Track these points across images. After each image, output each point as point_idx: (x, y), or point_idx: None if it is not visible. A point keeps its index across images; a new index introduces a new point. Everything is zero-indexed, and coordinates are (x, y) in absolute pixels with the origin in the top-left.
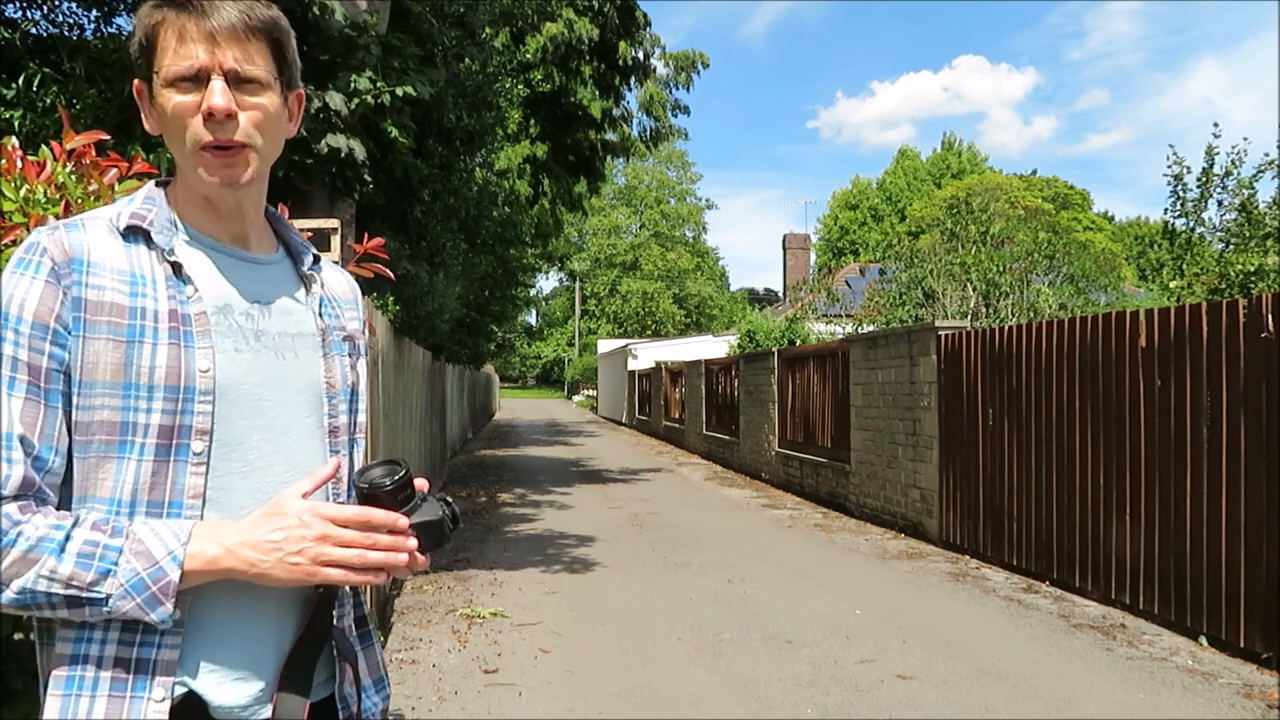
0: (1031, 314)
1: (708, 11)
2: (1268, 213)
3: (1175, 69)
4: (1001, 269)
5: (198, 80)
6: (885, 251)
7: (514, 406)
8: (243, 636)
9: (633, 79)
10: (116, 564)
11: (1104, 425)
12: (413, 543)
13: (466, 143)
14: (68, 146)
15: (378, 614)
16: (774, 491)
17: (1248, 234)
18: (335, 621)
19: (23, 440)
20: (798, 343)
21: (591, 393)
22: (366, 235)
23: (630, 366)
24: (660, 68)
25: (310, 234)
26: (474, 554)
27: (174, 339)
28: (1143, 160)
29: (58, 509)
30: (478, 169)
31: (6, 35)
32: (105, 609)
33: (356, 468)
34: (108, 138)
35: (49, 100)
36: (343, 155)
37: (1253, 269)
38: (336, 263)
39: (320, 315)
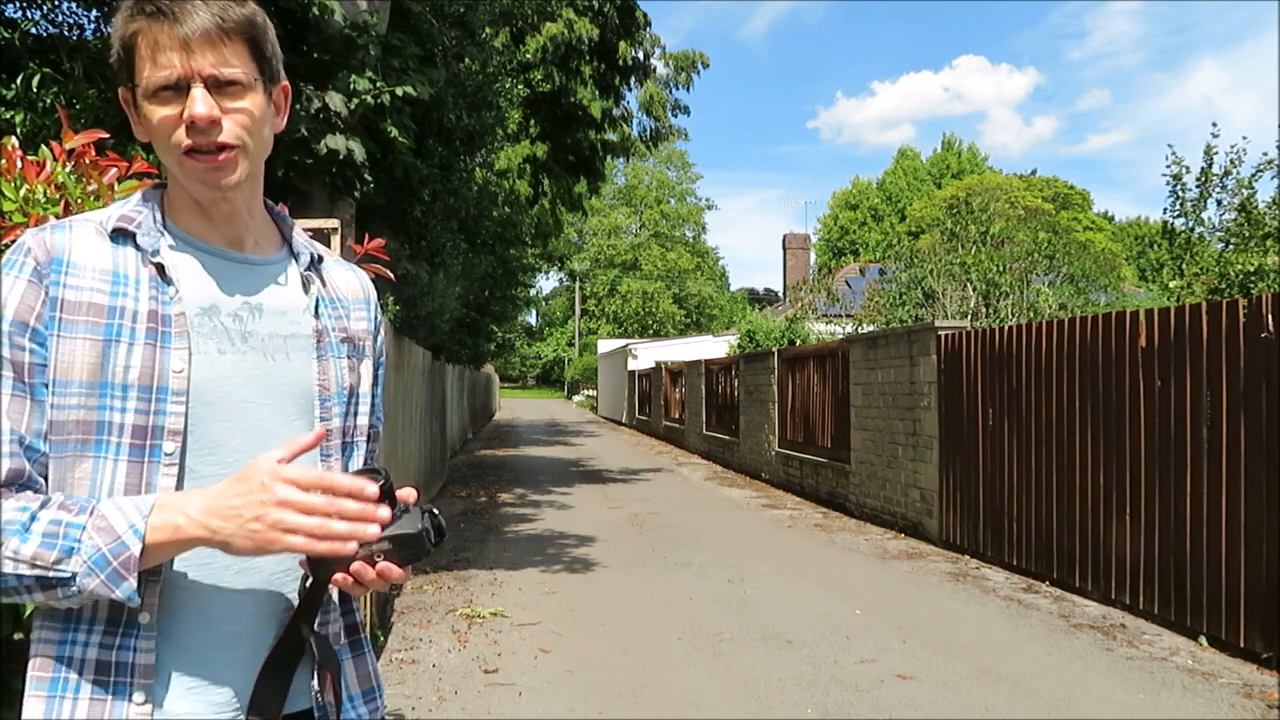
0: (1031, 314)
1: (708, 11)
2: (1267, 212)
3: (1175, 69)
4: (1001, 269)
5: (179, 89)
6: (885, 251)
7: (514, 406)
8: (220, 638)
9: (633, 79)
10: (79, 541)
11: (1104, 425)
12: (384, 512)
13: (466, 143)
14: (67, 146)
15: (377, 614)
16: (774, 491)
17: (1247, 234)
18: (317, 628)
19: (12, 433)
20: (798, 343)
21: (591, 393)
22: (366, 235)
23: (630, 366)
24: (660, 68)
25: (310, 234)
26: (474, 554)
27: (150, 339)
28: (1143, 160)
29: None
30: (478, 169)
31: (6, 35)
32: (74, 587)
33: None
34: (107, 137)
35: (49, 100)
36: (342, 156)
37: (1252, 269)
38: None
39: (317, 316)
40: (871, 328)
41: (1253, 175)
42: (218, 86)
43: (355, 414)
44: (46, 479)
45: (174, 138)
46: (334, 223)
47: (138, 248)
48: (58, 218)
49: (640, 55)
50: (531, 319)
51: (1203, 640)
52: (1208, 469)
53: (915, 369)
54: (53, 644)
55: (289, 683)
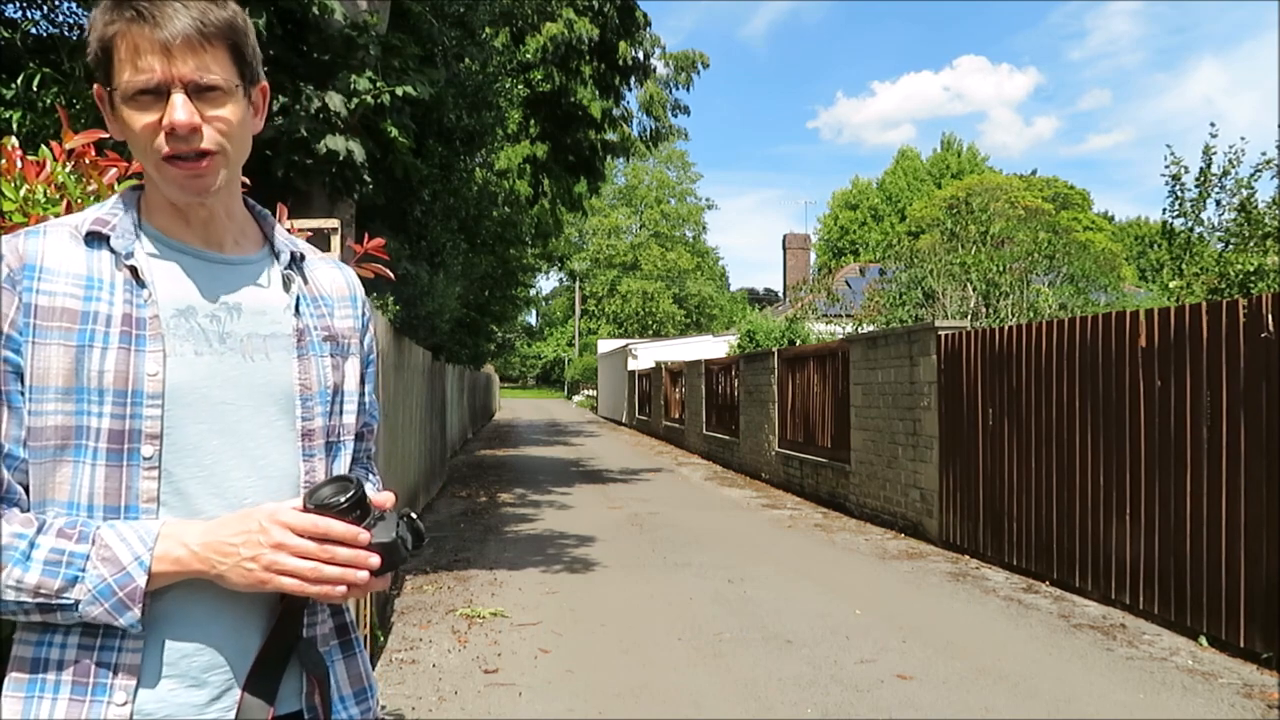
0: (1031, 314)
1: (708, 11)
2: (1267, 212)
3: (1175, 69)
4: (1001, 269)
5: (158, 94)
6: (885, 251)
7: (514, 406)
8: (202, 640)
9: (633, 79)
10: (84, 570)
11: (1104, 425)
12: (374, 560)
13: (466, 143)
14: (67, 146)
15: (377, 614)
16: (774, 491)
17: (1247, 234)
18: (305, 631)
19: None
20: (798, 343)
21: (591, 393)
22: (366, 235)
23: (630, 366)
24: (660, 68)
25: (310, 234)
26: (474, 554)
27: (124, 343)
28: (1143, 160)
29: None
30: (478, 169)
31: (6, 35)
32: (76, 614)
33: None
34: (107, 137)
35: (49, 100)
36: (342, 156)
37: (1252, 269)
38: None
39: (297, 314)
40: (871, 328)
41: (1252, 175)
42: (198, 92)
43: (340, 413)
44: (27, 487)
45: (154, 143)
46: (334, 223)
47: (112, 251)
48: (57, 217)
49: (640, 55)
50: (531, 319)
51: (1203, 640)
52: (1208, 469)
53: (915, 369)
54: (30, 645)
55: (278, 685)
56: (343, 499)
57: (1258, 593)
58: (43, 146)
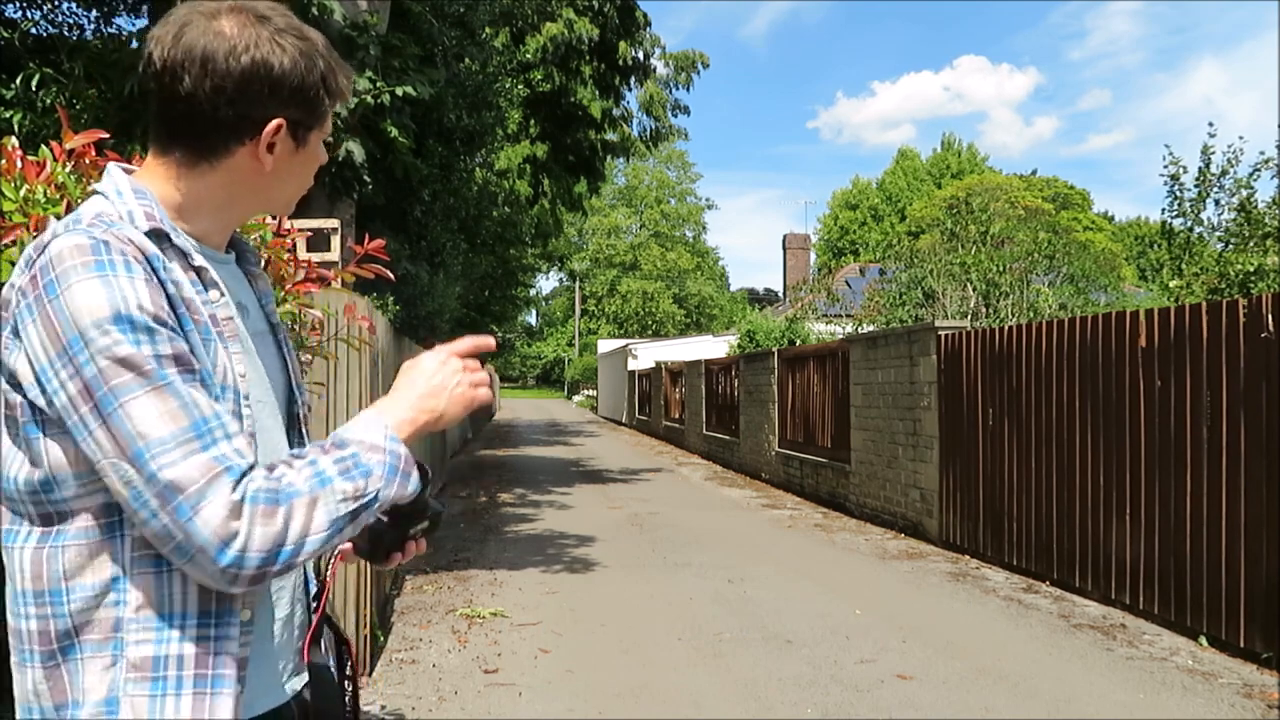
0: (1031, 314)
1: (708, 11)
2: (1267, 212)
3: (1176, 69)
4: (1001, 269)
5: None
6: (885, 251)
7: (514, 406)
8: (269, 619)
9: (633, 79)
10: (366, 462)
11: (1104, 425)
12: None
13: (466, 143)
14: (67, 146)
15: (377, 614)
16: (774, 491)
17: (1247, 234)
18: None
19: (221, 414)
20: (798, 343)
21: (591, 393)
22: (367, 235)
23: (630, 366)
24: (660, 68)
25: (310, 234)
26: (474, 554)
27: (221, 341)
28: (1143, 160)
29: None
30: (478, 169)
31: (6, 35)
32: (377, 504)
33: None
34: (107, 137)
35: (49, 100)
36: (341, 157)
37: (1252, 269)
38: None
39: (265, 310)
40: (871, 328)
41: (1251, 174)
42: None
43: (307, 401)
44: None
45: (313, 172)
46: (334, 223)
47: (173, 249)
48: (58, 218)
49: (640, 55)
50: (531, 319)
51: (1203, 640)
52: (1208, 469)
53: (915, 369)
54: (148, 644)
55: (323, 648)
56: (427, 480)
57: (1258, 593)
58: (43, 146)
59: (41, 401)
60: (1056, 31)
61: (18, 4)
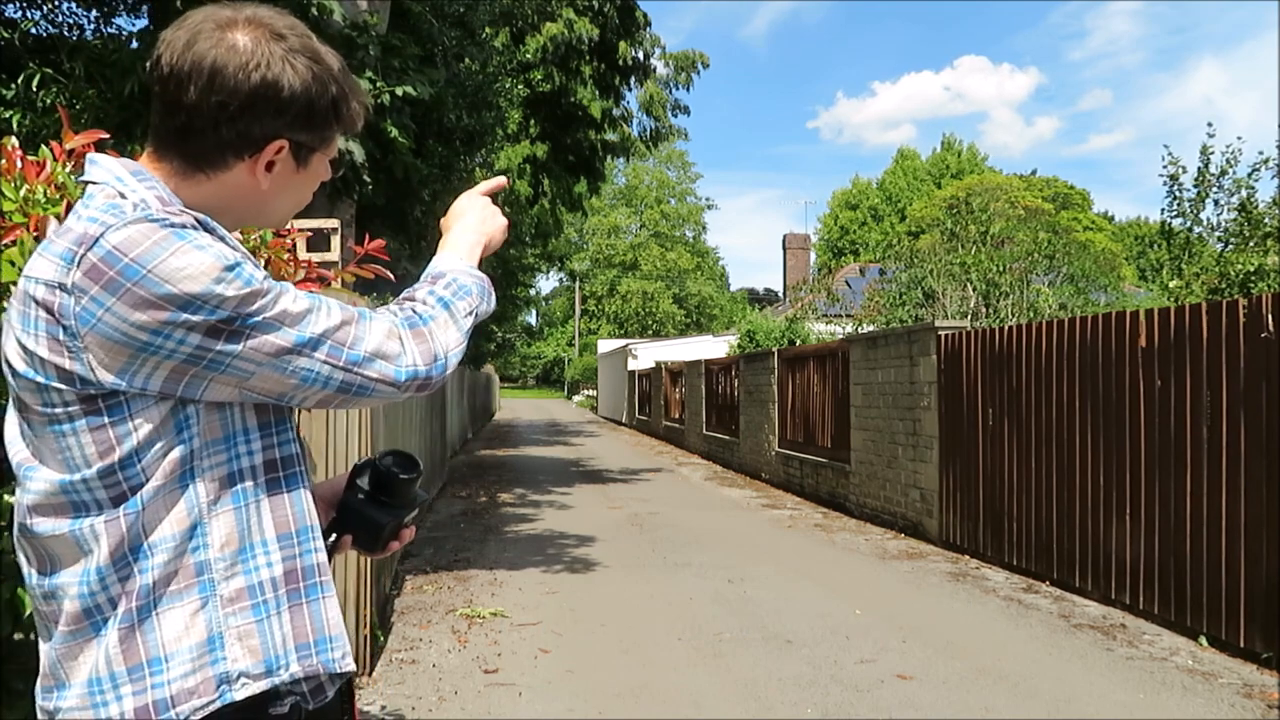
0: (1031, 314)
1: (708, 11)
2: (1267, 212)
3: (1176, 69)
4: (1001, 269)
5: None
6: (885, 251)
7: (514, 406)
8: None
9: (633, 79)
10: (464, 284)
11: (1104, 425)
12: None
13: (466, 143)
14: (67, 146)
15: (377, 614)
16: (774, 491)
17: (1247, 234)
18: None
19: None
20: (798, 343)
21: (591, 393)
22: (367, 236)
23: (630, 366)
24: (660, 68)
25: (310, 234)
26: (474, 554)
27: None
28: (1144, 160)
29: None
30: (478, 169)
31: (6, 35)
32: (480, 316)
33: None
34: (107, 137)
35: (49, 100)
36: (341, 157)
37: (1252, 269)
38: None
39: None
40: (871, 328)
41: (1250, 174)
42: None
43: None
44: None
45: (312, 190)
46: (334, 223)
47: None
48: (58, 218)
49: (640, 55)
50: (531, 319)
51: (1203, 640)
52: (1208, 469)
53: (915, 369)
54: (237, 577)
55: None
56: (420, 470)
57: (1258, 593)
58: (43, 146)
59: (139, 382)
60: (1057, 31)
61: (18, 4)
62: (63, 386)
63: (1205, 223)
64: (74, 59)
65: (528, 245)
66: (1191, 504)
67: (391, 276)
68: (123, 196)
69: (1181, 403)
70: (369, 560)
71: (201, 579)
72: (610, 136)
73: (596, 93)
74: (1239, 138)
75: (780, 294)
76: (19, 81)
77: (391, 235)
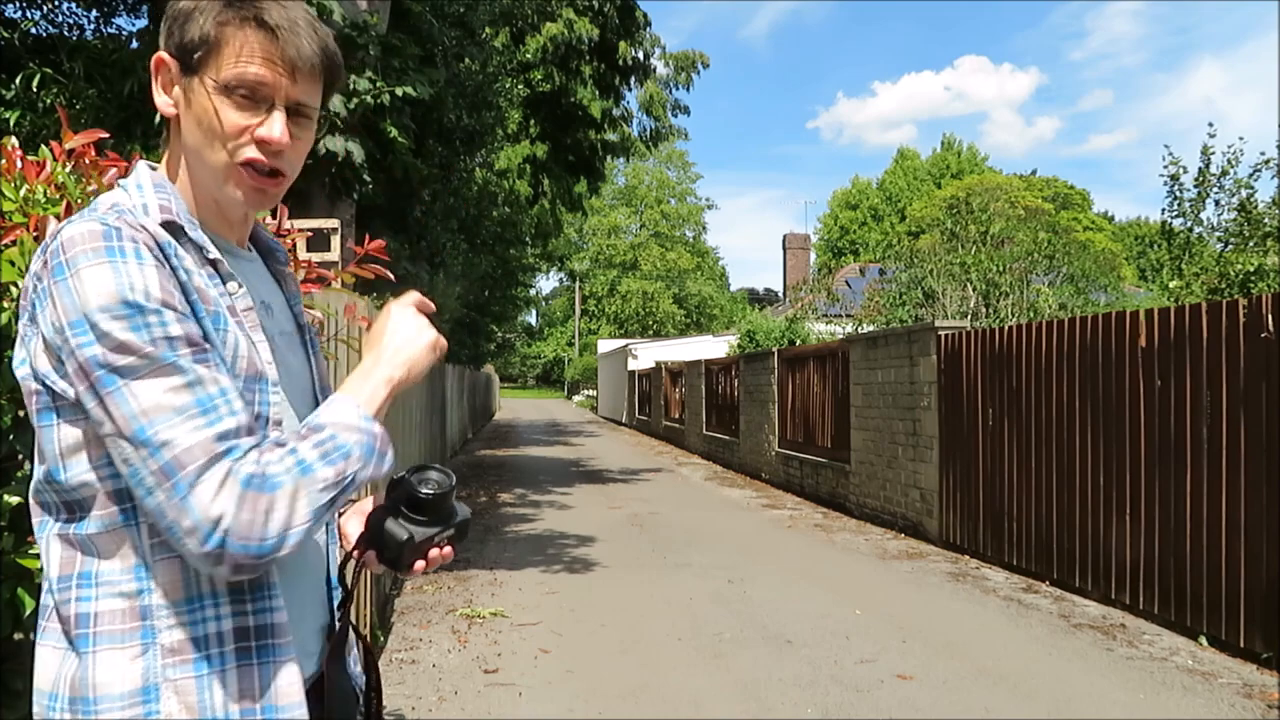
0: (1031, 314)
1: (709, 11)
2: (1267, 212)
3: (1177, 69)
4: (1001, 269)
5: (256, 99)
6: (885, 251)
7: (514, 406)
8: (298, 617)
9: (633, 79)
10: (344, 444)
11: (1104, 425)
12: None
13: (466, 143)
14: (67, 146)
15: (377, 614)
16: (774, 491)
17: (1247, 234)
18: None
19: (231, 388)
20: (798, 343)
21: (591, 393)
22: (367, 236)
23: (630, 366)
24: (660, 68)
25: (310, 234)
26: (474, 554)
27: (241, 330)
28: (1144, 160)
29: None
30: (478, 169)
31: (6, 35)
32: (354, 486)
33: None
34: (107, 137)
35: (49, 100)
36: (341, 157)
37: (1252, 269)
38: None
39: (293, 311)
40: (871, 328)
41: (1251, 174)
42: (293, 113)
43: None
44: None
45: (237, 144)
46: (334, 223)
47: (188, 242)
48: (58, 218)
49: (640, 55)
50: (531, 319)
51: (1203, 640)
52: (1208, 469)
53: (915, 369)
54: (183, 627)
55: (347, 657)
56: (449, 485)
57: (1258, 593)
58: (43, 146)
59: (61, 385)
60: (1057, 31)
61: (18, 4)
62: (26, 372)
63: (1205, 223)
64: (74, 59)
65: (528, 245)
66: (1191, 504)
67: (391, 276)
68: (125, 195)
69: (1181, 403)
70: None
71: (144, 624)
72: (610, 136)
73: (596, 93)
74: (1240, 138)
75: (780, 294)
76: (19, 81)
77: (391, 235)
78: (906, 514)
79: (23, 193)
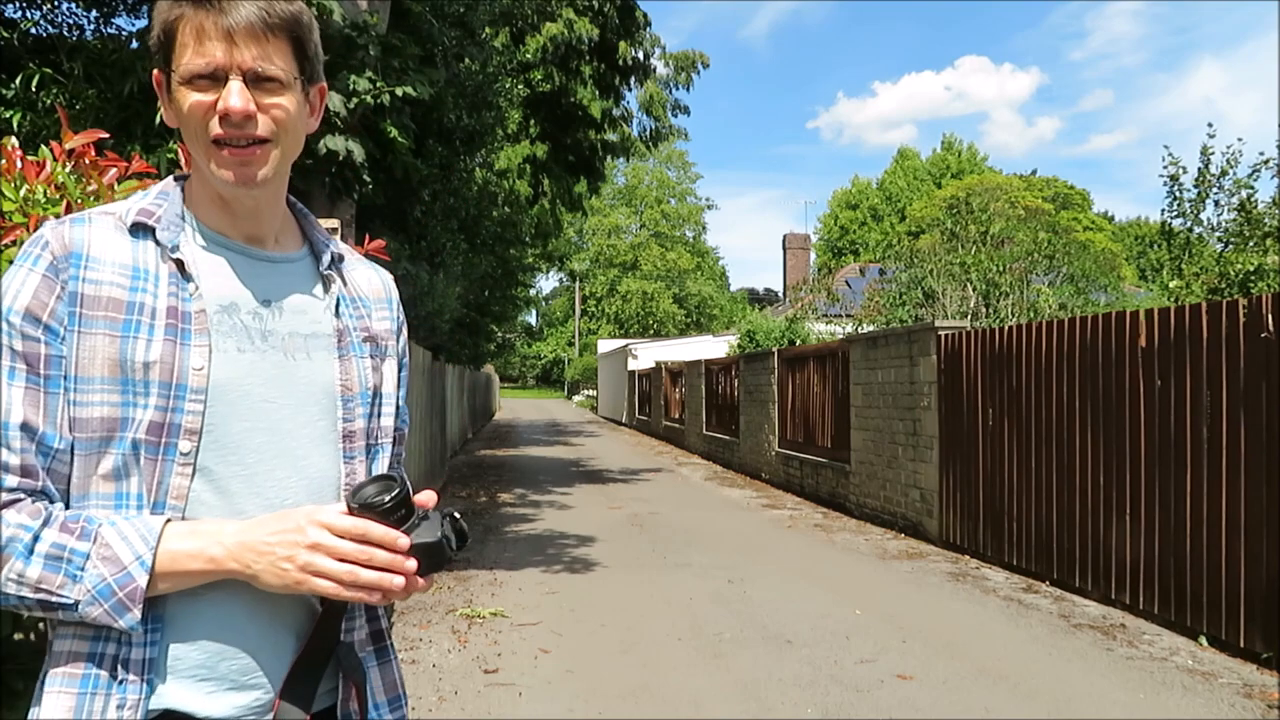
0: (1031, 314)
1: (709, 11)
2: (1266, 212)
3: (1177, 69)
4: (1001, 269)
5: (215, 79)
6: (885, 251)
7: (514, 406)
8: (240, 644)
9: (633, 79)
10: (83, 569)
11: (1104, 425)
12: (411, 564)
13: (466, 143)
14: (67, 146)
15: None
16: (774, 491)
17: (1247, 234)
18: (342, 636)
19: (24, 426)
20: (798, 343)
21: (591, 393)
22: (367, 236)
23: (630, 366)
24: (660, 68)
25: None
26: (474, 554)
27: (170, 335)
28: (1144, 160)
29: (57, 502)
30: (478, 169)
31: (6, 35)
32: (76, 614)
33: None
34: (107, 137)
35: (48, 100)
36: (342, 157)
37: (1252, 269)
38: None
39: (337, 315)
40: (871, 328)
41: (1251, 174)
42: (256, 81)
43: (379, 415)
44: (69, 477)
45: (205, 126)
46: (334, 223)
47: (157, 243)
48: (57, 218)
49: (640, 55)
50: (531, 319)
51: (1203, 640)
52: (1208, 469)
53: (915, 369)
54: (86, 639)
55: (314, 691)
56: (387, 498)
57: (1258, 593)
58: (43, 146)
59: None
60: (1058, 31)
61: (18, 4)
62: None
63: (1205, 223)
64: (74, 59)
65: (528, 245)
66: (1191, 504)
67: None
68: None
69: (1181, 402)
70: None
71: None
72: (610, 136)
73: (596, 93)
74: (1240, 138)
75: (780, 294)
76: (19, 81)
77: (391, 235)
78: (906, 514)
79: (23, 193)
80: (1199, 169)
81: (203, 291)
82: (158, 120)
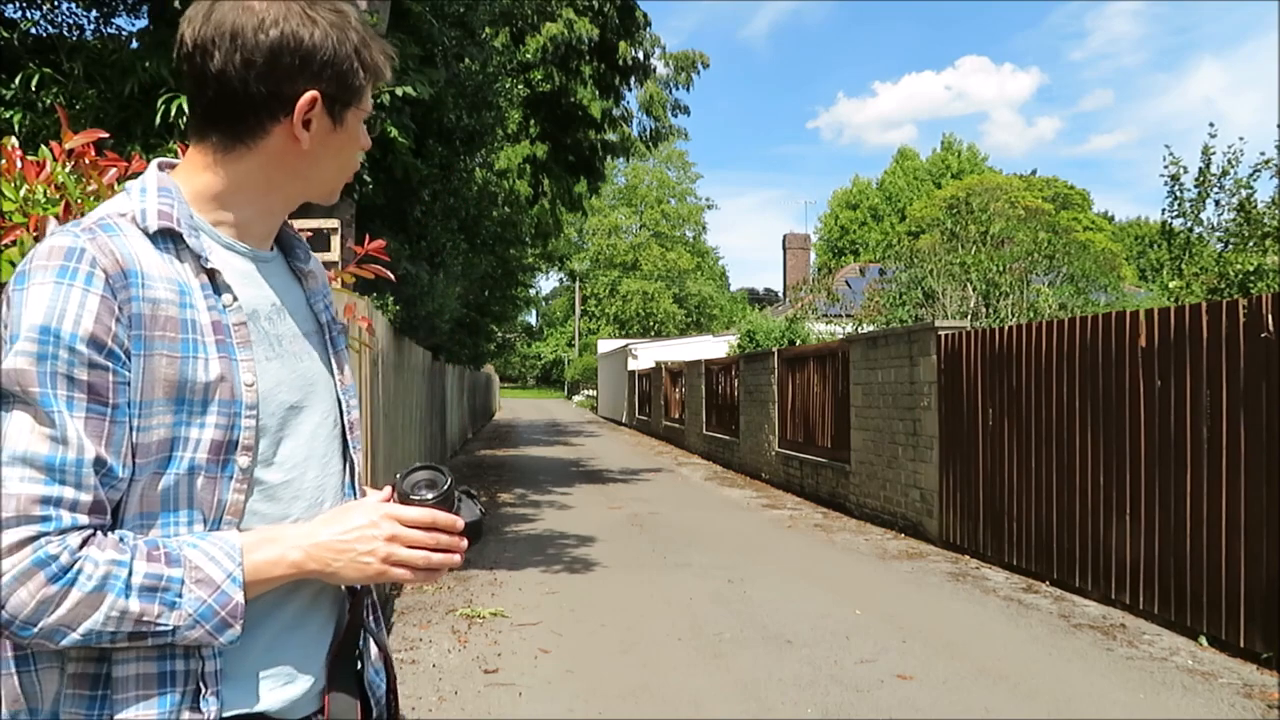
0: (1031, 314)
1: (709, 11)
2: (1266, 212)
3: (1177, 69)
4: (1001, 269)
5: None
6: (885, 251)
7: (514, 406)
8: (290, 637)
9: (633, 79)
10: (180, 595)
11: (1104, 425)
12: (464, 543)
13: (466, 143)
14: (67, 146)
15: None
16: (774, 491)
17: (1246, 234)
18: (365, 615)
19: (97, 462)
20: (798, 343)
21: (591, 393)
22: (367, 236)
23: (630, 366)
24: (660, 68)
25: (310, 234)
26: (474, 554)
27: (222, 352)
28: (1145, 160)
29: (114, 527)
30: (478, 169)
31: (6, 35)
32: (170, 638)
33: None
34: (107, 137)
35: (48, 100)
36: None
37: (1252, 269)
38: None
39: (313, 310)
40: (871, 328)
41: (1251, 174)
42: None
43: (357, 403)
44: (118, 505)
45: (355, 158)
46: (334, 223)
47: (190, 251)
48: (58, 218)
49: (640, 55)
50: (531, 319)
51: (1203, 640)
52: (1208, 469)
53: (915, 369)
54: (133, 661)
55: (354, 668)
56: (444, 486)
57: (1258, 593)
58: (43, 146)
59: None
60: (1058, 31)
61: (18, 4)
62: None
63: (1205, 223)
64: (74, 59)
65: (528, 245)
66: (1191, 504)
67: (391, 276)
68: (128, 200)
69: (1181, 403)
70: None
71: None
72: (610, 136)
73: (596, 93)
74: (1240, 138)
75: (780, 294)
76: (19, 81)
77: (391, 235)
78: (906, 514)
79: (23, 193)
80: (1199, 169)
81: (238, 302)
82: (158, 120)
